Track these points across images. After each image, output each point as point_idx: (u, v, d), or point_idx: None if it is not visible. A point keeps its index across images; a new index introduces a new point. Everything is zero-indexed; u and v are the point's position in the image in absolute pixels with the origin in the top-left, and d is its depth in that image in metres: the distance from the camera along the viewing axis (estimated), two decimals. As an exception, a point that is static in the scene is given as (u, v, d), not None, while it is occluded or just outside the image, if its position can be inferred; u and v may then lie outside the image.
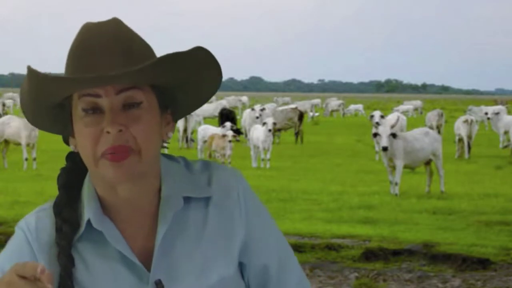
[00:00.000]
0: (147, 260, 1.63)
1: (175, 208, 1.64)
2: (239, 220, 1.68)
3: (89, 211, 1.63)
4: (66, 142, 1.68)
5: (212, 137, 19.62)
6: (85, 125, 1.57)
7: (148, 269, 1.62)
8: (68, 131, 1.65)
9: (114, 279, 1.62)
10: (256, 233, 1.70)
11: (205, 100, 1.71)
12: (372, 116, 22.57)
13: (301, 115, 29.34)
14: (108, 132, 1.54)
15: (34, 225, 1.67)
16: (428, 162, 14.79)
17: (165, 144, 1.68)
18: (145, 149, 1.57)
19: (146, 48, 1.61)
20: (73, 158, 1.69)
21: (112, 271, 1.62)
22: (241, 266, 1.69)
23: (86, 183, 1.67)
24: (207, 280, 1.63)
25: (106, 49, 1.55)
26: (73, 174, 1.69)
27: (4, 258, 1.65)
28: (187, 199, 1.66)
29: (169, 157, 1.72)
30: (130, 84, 1.56)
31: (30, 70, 1.53)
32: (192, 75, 1.62)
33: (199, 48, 1.56)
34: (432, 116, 30.60)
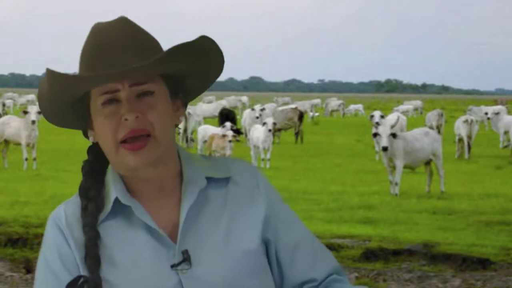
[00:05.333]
0: (172, 235, 1.72)
1: (199, 186, 1.76)
2: (258, 196, 1.80)
3: (116, 191, 1.74)
4: (86, 135, 1.80)
5: (212, 137, 19.61)
6: (104, 116, 1.69)
7: (174, 242, 1.71)
8: (86, 124, 1.77)
9: (142, 250, 1.71)
10: (279, 209, 1.82)
11: (211, 83, 1.83)
12: (372, 116, 22.54)
13: (301, 115, 29.34)
14: (126, 120, 1.67)
15: (63, 213, 1.76)
16: (428, 162, 14.79)
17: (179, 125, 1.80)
18: (161, 134, 1.69)
19: (154, 42, 1.74)
20: (95, 151, 1.80)
21: (140, 243, 1.71)
22: (266, 242, 1.78)
23: (109, 169, 1.79)
24: (231, 253, 1.73)
25: (121, 47, 1.68)
26: (96, 164, 1.80)
27: (47, 252, 1.76)
28: (208, 179, 1.78)
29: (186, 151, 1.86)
30: (142, 78, 1.69)
31: (50, 72, 1.65)
32: (198, 62, 1.74)
33: (203, 37, 1.70)
34: (432, 116, 30.59)
